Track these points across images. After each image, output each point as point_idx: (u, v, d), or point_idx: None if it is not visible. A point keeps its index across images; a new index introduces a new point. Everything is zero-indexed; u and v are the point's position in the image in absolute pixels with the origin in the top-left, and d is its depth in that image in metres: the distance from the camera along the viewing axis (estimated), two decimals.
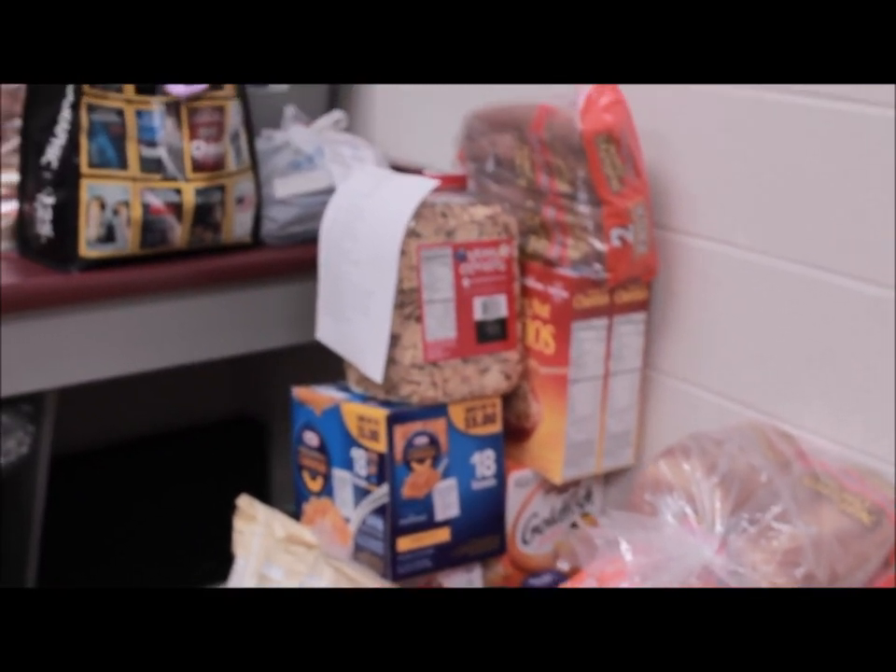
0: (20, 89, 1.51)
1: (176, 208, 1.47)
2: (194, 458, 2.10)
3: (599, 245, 1.30)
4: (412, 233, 1.28)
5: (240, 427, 2.16)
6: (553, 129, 1.30)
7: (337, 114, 1.74)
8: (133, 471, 2.03)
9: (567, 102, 1.31)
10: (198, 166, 1.49)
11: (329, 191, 1.61)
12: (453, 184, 1.36)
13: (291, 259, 1.60)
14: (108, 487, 1.98)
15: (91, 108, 1.42)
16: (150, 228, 1.46)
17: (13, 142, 1.52)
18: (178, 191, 1.47)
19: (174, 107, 1.48)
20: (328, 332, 1.41)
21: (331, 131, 1.73)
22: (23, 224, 1.49)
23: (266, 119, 1.69)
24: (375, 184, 1.34)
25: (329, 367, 1.46)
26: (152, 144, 1.46)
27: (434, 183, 1.29)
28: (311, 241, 1.59)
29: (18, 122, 1.50)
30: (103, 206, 1.43)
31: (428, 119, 1.73)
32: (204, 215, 1.50)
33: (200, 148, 1.49)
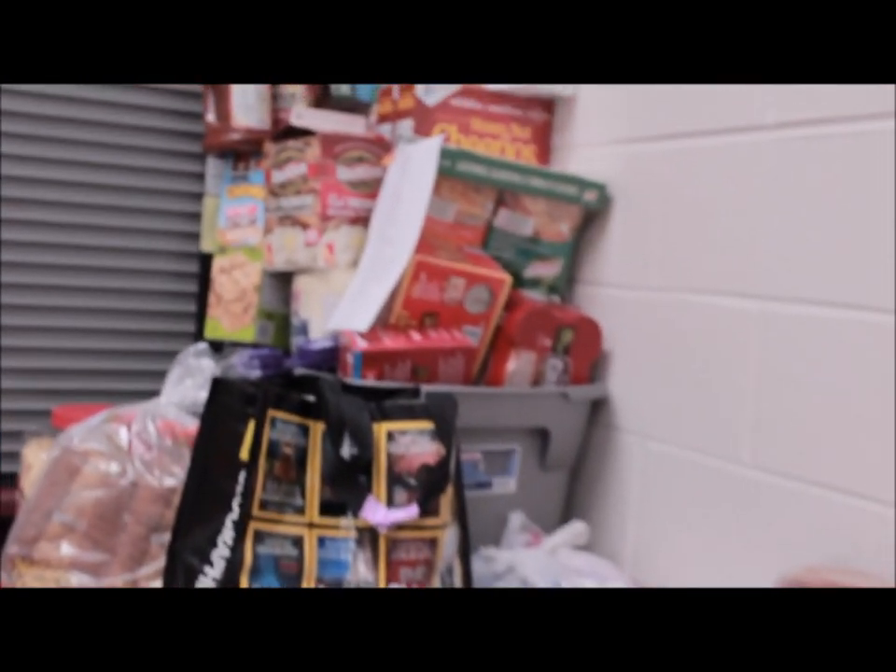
0: (174, 491, 1.16)
1: None
2: None
3: None
4: None
5: None
6: None
7: (578, 526, 1.33)
8: None
9: None
10: None
11: None
12: None
13: None
14: None
15: (259, 537, 1.05)
16: None
17: (159, 562, 1.15)
18: None
19: (368, 537, 1.09)
20: None
21: (568, 549, 1.31)
22: None
23: (484, 529, 1.29)
24: None
25: None
26: (338, 585, 1.07)
27: None
28: None
29: (166, 537, 1.14)
30: None
31: (691, 532, 1.29)
32: None
33: None
